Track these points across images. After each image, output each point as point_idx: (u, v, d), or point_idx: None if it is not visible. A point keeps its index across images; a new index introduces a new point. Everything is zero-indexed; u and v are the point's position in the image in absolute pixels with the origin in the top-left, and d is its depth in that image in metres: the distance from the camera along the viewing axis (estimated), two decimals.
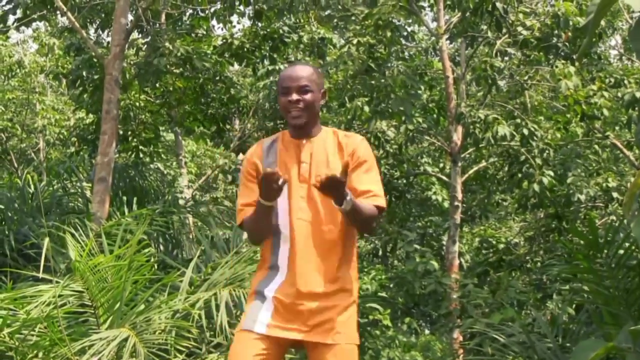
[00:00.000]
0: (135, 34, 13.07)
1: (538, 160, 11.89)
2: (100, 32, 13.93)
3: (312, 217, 3.23)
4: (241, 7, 12.11)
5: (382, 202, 3.25)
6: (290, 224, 3.24)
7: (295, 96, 3.26)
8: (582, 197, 12.52)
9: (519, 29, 11.54)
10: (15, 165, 20.46)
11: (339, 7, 14.77)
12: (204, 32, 13.11)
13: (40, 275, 5.59)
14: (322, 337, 3.18)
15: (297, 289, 3.19)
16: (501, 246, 14.85)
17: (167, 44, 11.25)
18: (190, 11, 13.03)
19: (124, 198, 9.42)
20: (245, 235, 6.61)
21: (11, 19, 11.39)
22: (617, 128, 15.53)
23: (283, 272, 3.24)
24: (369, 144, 3.39)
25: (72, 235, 6.23)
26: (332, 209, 3.20)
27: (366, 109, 11.34)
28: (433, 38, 13.74)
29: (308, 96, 3.27)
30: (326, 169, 3.21)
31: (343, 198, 3.06)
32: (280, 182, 3.04)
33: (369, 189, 3.25)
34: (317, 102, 3.30)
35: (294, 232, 3.23)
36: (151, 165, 13.03)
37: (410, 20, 14.97)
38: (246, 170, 3.36)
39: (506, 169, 13.44)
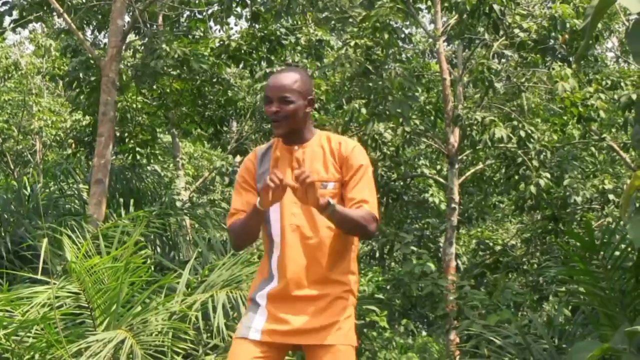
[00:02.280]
0: (132, 36, 13.06)
1: (535, 162, 11.88)
2: (97, 34, 13.94)
3: (305, 222, 3.24)
4: (238, 9, 12.12)
5: (370, 208, 3.22)
6: (281, 231, 3.25)
7: (274, 107, 3.25)
8: (579, 199, 12.53)
9: (516, 31, 11.54)
10: (12, 167, 20.43)
11: (337, 9, 14.77)
12: (201, 34, 13.10)
13: (37, 277, 5.59)
14: (318, 338, 3.18)
15: (289, 293, 3.21)
16: (498, 248, 14.82)
17: (164, 45, 11.23)
18: (188, 13, 13.03)
19: (121, 200, 9.42)
20: None
21: (7, 20, 11.40)
22: (613, 130, 15.55)
23: (275, 279, 3.26)
24: (363, 149, 3.37)
25: (69, 237, 6.23)
26: None
27: (363, 111, 11.32)
28: (430, 40, 13.74)
29: (289, 107, 3.24)
30: (315, 176, 3.18)
31: (319, 205, 3.06)
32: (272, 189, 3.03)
33: (354, 197, 3.23)
34: (299, 111, 3.26)
35: (285, 238, 3.24)
36: (148, 167, 13.00)
37: (407, 23, 14.95)
38: (240, 176, 3.41)
39: (503, 171, 13.42)
